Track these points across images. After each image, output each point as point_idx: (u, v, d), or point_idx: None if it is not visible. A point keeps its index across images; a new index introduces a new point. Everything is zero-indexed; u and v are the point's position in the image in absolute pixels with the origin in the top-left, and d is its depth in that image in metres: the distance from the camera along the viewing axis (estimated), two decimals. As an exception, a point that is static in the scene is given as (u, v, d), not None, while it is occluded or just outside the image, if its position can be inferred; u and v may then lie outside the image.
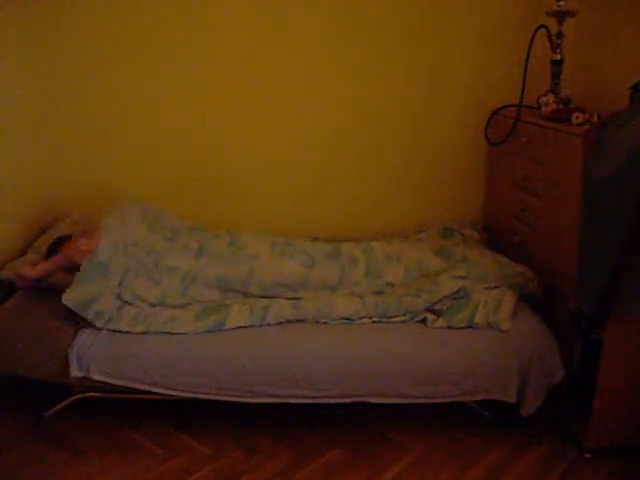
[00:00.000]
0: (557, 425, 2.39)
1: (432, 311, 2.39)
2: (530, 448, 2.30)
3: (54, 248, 2.47)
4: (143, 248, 2.46)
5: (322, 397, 2.24)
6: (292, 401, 2.24)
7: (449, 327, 2.32)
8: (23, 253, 2.58)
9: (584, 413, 2.24)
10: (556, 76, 2.67)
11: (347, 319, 2.38)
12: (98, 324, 2.25)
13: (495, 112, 2.97)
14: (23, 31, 2.71)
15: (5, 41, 2.56)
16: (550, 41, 2.65)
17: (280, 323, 2.35)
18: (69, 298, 2.21)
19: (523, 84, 2.74)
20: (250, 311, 2.34)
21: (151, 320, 2.29)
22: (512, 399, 2.26)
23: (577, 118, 2.34)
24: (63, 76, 2.93)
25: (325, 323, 2.38)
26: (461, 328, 2.32)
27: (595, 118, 2.29)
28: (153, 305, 2.37)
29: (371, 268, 2.52)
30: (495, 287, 2.45)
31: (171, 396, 2.26)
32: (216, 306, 2.39)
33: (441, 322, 2.34)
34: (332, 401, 2.25)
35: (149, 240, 2.49)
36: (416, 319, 2.38)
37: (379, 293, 2.49)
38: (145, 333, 2.25)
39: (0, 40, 2.52)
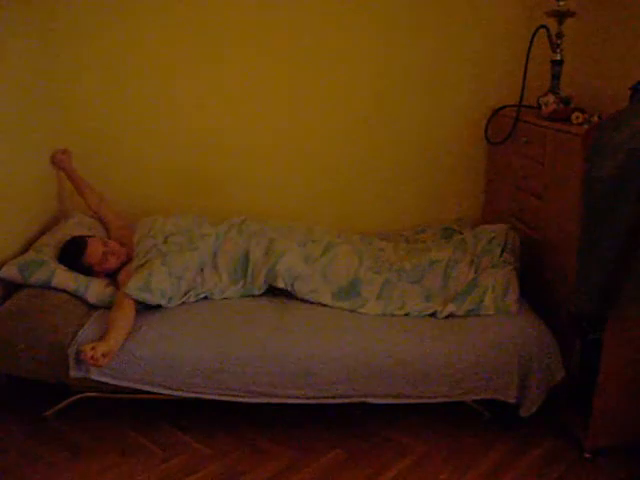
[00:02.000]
0: (557, 425, 2.39)
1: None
2: (530, 448, 2.30)
3: (77, 254, 2.51)
4: (180, 233, 2.66)
5: (322, 397, 2.24)
6: (292, 401, 2.24)
7: (456, 315, 2.40)
8: (24, 251, 2.58)
9: (584, 413, 2.25)
10: (556, 76, 2.67)
11: (350, 287, 2.51)
12: (165, 303, 2.37)
13: (495, 112, 2.97)
14: (24, 29, 2.71)
15: (6, 39, 2.56)
16: (550, 41, 2.65)
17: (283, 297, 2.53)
18: (131, 288, 2.31)
19: (523, 84, 2.74)
20: (266, 267, 2.52)
21: (198, 290, 2.50)
22: (512, 399, 2.26)
23: (577, 118, 2.35)
24: (65, 75, 2.93)
25: (326, 306, 2.48)
26: (469, 316, 2.39)
27: (595, 118, 2.29)
28: (197, 273, 2.54)
29: (365, 237, 2.88)
30: (493, 267, 2.53)
31: (171, 396, 2.26)
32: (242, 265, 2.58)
33: (452, 307, 2.40)
34: (332, 401, 2.25)
35: (183, 224, 2.72)
36: (424, 313, 2.44)
37: (373, 256, 2.69)
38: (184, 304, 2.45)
39: (1, 38, 2.52)
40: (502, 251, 2.56)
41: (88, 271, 2.51)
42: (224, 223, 2.75)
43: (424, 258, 2.58)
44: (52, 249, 2.58)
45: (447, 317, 2.42)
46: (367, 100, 3.07)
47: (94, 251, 2.51)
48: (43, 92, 2.89)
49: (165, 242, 2.61)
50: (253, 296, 2.58)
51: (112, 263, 2.56)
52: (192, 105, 3.02)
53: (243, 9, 2.91)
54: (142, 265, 2.47)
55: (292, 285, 2.51)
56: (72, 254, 2.51)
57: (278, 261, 2.51)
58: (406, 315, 2.45)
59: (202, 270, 2.57)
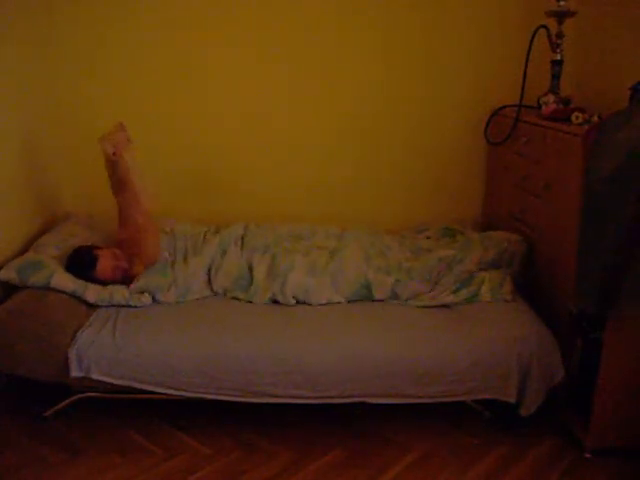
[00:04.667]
0: (557, 425, 2.39)
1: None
2: (530, 448, 2.30)
3: (87, 269, 2.48)
4: (188, 237, 2.75)
5: (322, 397, 2.24)
6: (292, 401, 2.24)
7: (454, 304, 2.48)
8: (24, 252, 2.58)
9: (584, 413, 2.25)
10: (556, 76, 2.67)
11: (362, 289, 2.54)
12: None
13: (495, 112, 2.97)
14: (24, 29, 2.71)
15: (5, 38, 2.56)
16: (550, 41, 2.65)
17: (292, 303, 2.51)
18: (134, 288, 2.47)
19: (523, 84, 2.74)
20: (272, 289, 2.51)
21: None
22: (512, 399, 2.26)
23: (577, 118, 2.35)
24: (64, 74, 2.94)
25: (339, 303, 2.51)
26: (469, 303, 2.47)
27: (595, 118, 2.29)
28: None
29: (371, 232, 2.87)
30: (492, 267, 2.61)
31: (171, 396, 2.26)
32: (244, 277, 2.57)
33: (449, 297, 2.48)
34: (332, 401, 2.25)
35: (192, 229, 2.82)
36: (425, 304, 2.50)
37: (380, 254, 2.69)
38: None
39: (1, 38, 2.52)
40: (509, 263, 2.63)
41: (95, 282, 2.49)
42: (227, 232, 2.73)
43: (432, 256, 2.63)
44: (52, 249, 2.58)
45: (447, 314, 2.43)
46: (366, 101, 3.06)
47: (104, 268, 2.49)
48: (44, 94, 2.90)
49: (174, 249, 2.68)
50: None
51: (119, 277, 2.53)
52: (193, 108, 3.02)
53: (243, 11, 2.91)
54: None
55: (305, 300, 2.52)
56: (81, 269, 2.48)
57: (285, 281, 2.51)
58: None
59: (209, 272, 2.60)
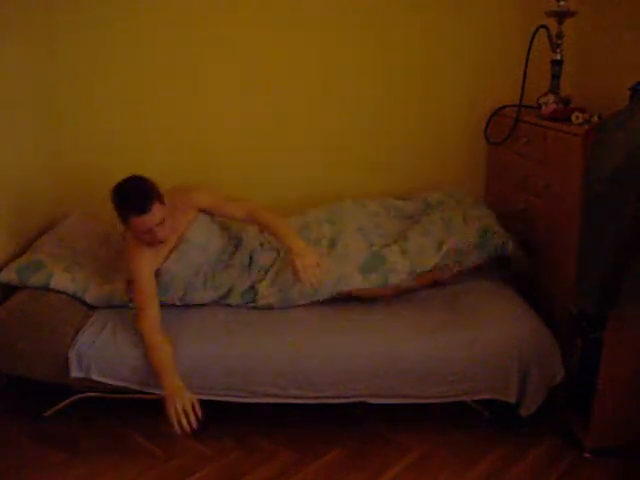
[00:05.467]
0: (557, 425, 2.39)
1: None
2: (530, 448, 2.30)
3: (129, 210, 2.19)
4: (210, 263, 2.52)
5: (322, 397, 2.24)
6: (292, 401, 2.24)
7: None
8: (23, 252, 2.58)
9: (584, 413, 2.25)
10: (556, 76, 2.67)
11: (373, 258, 2.51)
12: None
13: (495, 112, 2.97)
14: (24, 31, 2.71)
15: (5, 38, 2.56)
16: (550, 41, 2.65)
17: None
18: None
19: (523, 84, 2.74)
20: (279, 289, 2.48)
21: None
22: (512, 399, 2.26)
23: (577, 118, 2.35)
24: (64, 75, 2.93)
25: (338, 302, 2.48)
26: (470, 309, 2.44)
27: (595, 118, 2.29)
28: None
29: (359, 207, 2.83)
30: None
31: (171, 396, 2.26)
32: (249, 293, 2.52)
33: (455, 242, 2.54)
34: (332, 401, 2.25)
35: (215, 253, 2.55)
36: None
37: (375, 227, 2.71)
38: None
39: (1, 39, 2.52)
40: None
41: (124, 224, 2.25)
42: (244, 247, 2.59)
43: (433, 217, 2.70)
44: (51, 249, 2.58)
45: (447, 314, 2.43)
46: (366, 101, 3.06)
47: (145, 222, 2.19)
48: (43, 94, 2.89)
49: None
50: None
51: (144, 242, 2.29)
52: (193, 108, 3.02)
53: (243, 11, 2.91)
54: None
55: (316, 289, 2.42)
56: (127, 205, 2.21)
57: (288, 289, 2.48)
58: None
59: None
